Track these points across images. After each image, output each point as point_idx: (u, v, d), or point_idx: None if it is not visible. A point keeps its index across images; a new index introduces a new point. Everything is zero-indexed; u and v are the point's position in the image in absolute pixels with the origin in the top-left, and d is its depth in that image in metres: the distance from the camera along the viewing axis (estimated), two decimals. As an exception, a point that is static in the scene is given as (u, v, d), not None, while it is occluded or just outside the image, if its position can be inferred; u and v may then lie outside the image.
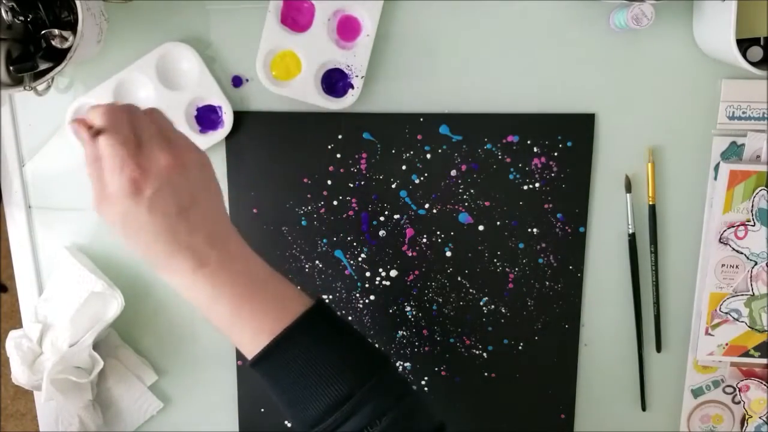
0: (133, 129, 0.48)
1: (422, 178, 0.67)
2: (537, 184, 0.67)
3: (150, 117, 0.50)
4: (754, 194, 0.65)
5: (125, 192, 0.46)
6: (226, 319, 0.49)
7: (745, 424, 0.71)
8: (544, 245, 0.68)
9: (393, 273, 0.69)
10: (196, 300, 0.49)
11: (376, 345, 0.51)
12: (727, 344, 0.69)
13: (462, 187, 0.67)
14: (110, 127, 0.47)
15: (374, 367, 0.50)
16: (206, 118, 0.66)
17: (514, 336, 0.70)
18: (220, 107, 0.65)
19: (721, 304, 0.68)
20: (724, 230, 0.66)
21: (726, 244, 0.66)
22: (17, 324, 0.70)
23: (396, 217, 0.68)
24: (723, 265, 0.67)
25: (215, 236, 0.49)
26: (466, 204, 0.67)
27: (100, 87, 0.64)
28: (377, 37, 0.63)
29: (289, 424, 0.73)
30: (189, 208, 0.48)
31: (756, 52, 0.59)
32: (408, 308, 0.70)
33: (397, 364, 0.71)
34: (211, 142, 0.65)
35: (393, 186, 0.67)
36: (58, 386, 0.65)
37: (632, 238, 0.67)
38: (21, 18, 0.57)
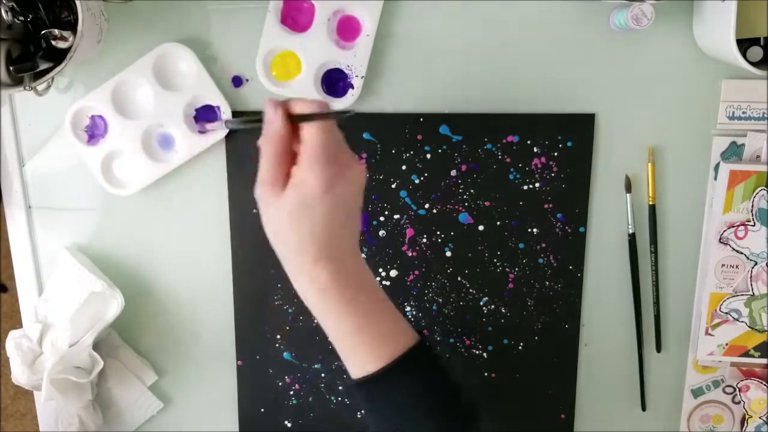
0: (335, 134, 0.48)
1: (422, 178, 0.67)
2: (537, 184, 0.67)
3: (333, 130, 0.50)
4: (754, 194, 0.65)
5: (320, 185, 0.46)
6: (348, 337, 0.49)
7: (745, 424, 0.71)
8: (544, 245, 0.68)
9: (393, 273, 0.69)
10: (322, 311, 0.49)
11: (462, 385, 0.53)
12: (727, 344, 0.69)
13: (462, 187, 0.67)
14: (324, 125, 0.47)
15: (462, 415, 0.51)
16: (205, 118, 0.66)
17: (514, 336, 0.70)
18: (218, 108, 0.65)
19: (721, 304, 0.68)
20: (724, 230, 0.66)
21: (726, 244, 0.66)
22: (17, 324, 0.70)
23: (396, 217, 0.68)
24: (723, 265, 0.67)
25: (354, 251, 0.50)
26: (466, 204, 0.67)
27: (98, 89, 0.64)
28: (377, 37, 0.63)
29: (289, 424, 0.73)
30: (351, 217, 0.49)
31: (756, 52, 0.59)
32: (408, 308, 0.70)
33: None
34: (210, 142, 0.65)
35: (393, 186, 0.67)
36: (58, 386, 0.65)
37: (632, 238, 0.67)
38: (21, 18, 0.57)
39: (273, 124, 0.48)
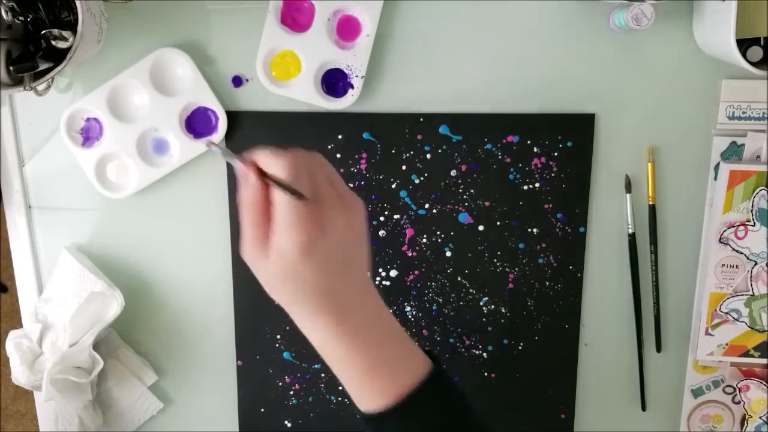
0: (311, 183, 0.45)
1: (422, 178, 0.67)
2: (537, 184, 0.67)
3: (321, 169, 0.47)
4: (754, 194, 0.65)
5: (297, 251, 0.44)
6: (357, 374, 0.48)
7: (745, 424, 0.71)
8: (544, 245, 0.68)
9: (393, 273, 0.69)
10: (331, 352, 0.48)
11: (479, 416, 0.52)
12: (727, 344, 0.69)
13: (462, 187, 0.67)
14: (292, 181, 0.44)
15: None
16: (200, 123, 0.66)
17: (514, 336, 0.70)
18: (214, 112, 0.65)
19: (721, 304, 0.68)
20: (724, 230, 0.66)
21: (726, 244, 0.66)
22: (17, 324, 0.70)
23: (396, 217, 0.68)
24: (723, 265, 0.67)
25: (361, 289, 0.48)
26: (466, 204, 0.67)
27: (94, 92, 0.64)
28: (377, 37, 0.63)
29: (289, 424, 0.73)
30: (351, 262, 0.47)
31: (756, 52, 0.59)
32: (408, 308, 0.70)
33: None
34: (206, 147, 0.65)
35: (393, 186, 0.67)
36: (58, 386, 0.65)
37: (632, 238, 0.67)
38: (21, 18, 0.56)
39: (244, 189, 0.45)
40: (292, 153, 0.45)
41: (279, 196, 0.44)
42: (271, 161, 0.44)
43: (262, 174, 0.45)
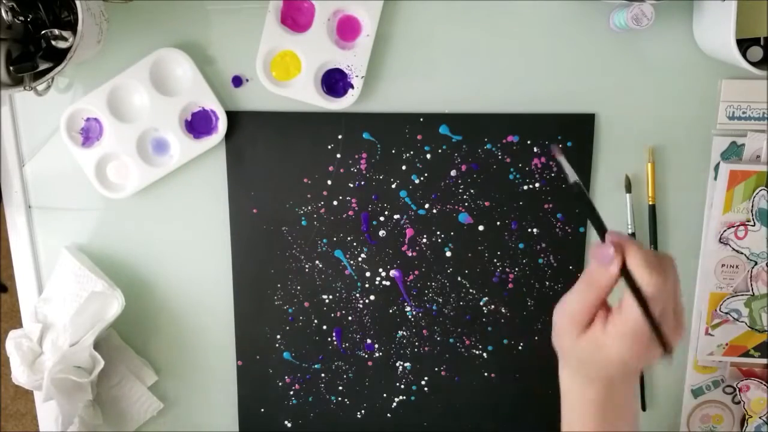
0: (665, 299, 0.43)
1: (422, 178, 0.67)
2: (537, 184, 0.67)
3: (672, 281, 0.45)
4: (754, 194, 0.65)
5: (618, 360, 0.44)
6: None
7: (745, 424, 0.71)
8: (544, 245, 0.68)
9: (393, 273, 0.69)
10: (577, 418, 0.51)
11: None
12: (727, 344, 0.69)
13: (462, 187, 0.67)
14: (653, 296, 0.42)
15: None
16: (200, 123, 0.66)
17: (514, 336, 0.70)
18: (214, 112, 0.65)
19: (721, 304, 0.68)
20: (724, 230, 0.66)
21: (726, 244, 0.66)
22: (17, 324, 0.70)
23: (396, 217, 0.68)
24: (723, 265, 0.67)
25: (629, 395, 0.50)
26: (466, 204, 0.67)
27: (94, 92, 0.64)
28: (377, 37, 0.63)
29: (289, 424, 0.73)
30: (634, 378, 0.50)
31: (756, 52, 0.59)
32: (408, 308, 0.70)
33: (397, 364, 0.71)
34: (206, 147, 0.65)
35: (393, 186, 0.67)
36: (58, 386, 0.65)
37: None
38: (21, 18, 0.56)
39: (604, 271, 0.44)
40: (665, 267, 0.43)
41: (629, 305, 0.43)
42: (644, 276, 0.42)
43: (624, 268, 0.43)
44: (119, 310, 0.66)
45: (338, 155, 0.67)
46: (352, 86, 0.64)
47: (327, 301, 0.70)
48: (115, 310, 0.66)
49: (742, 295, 0.67)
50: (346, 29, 0.64)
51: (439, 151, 0.66)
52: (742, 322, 0.68)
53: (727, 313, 0.68)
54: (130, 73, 0.64)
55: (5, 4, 0.55)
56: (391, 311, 0.70)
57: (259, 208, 0.68)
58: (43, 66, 0.56)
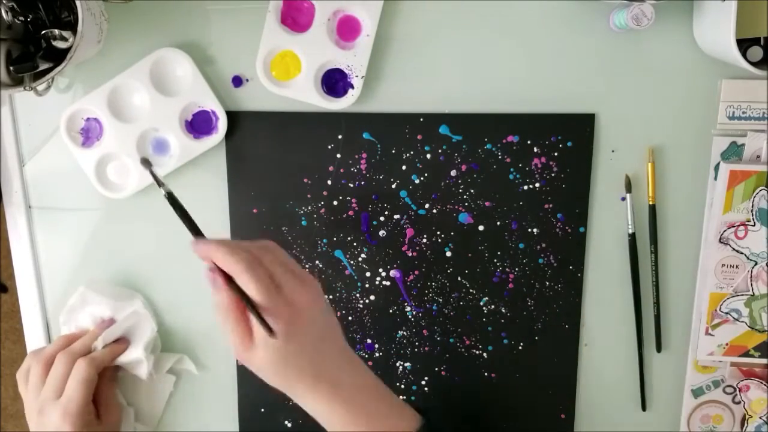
0: (266, 269, 0.49)
1: (422, 178, 0.67)
2: (537, 184, 0.67)
3: (272, 254, 0.51)
4: (754, 194, 0.65)
5: (280, 337, 0.48)
6: None
7: (745, 424, 0.71)
8: (544, 245, 0.68)
9: (393, 273, 0.69)
10: (331, 423, 0.51)
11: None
12: (727, 344, 0.69)
13: (462, 187, 0.67)
14: (248, 269, 0.48)
15: None
16: (201, 123, 0.66)
17: (514, 336, 0.70)
18: (214, 112, 0.65)
19: (721, 304, 0.68)
20: (724, 230, 0.66)
21: (726, 244, 0.66)
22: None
23: (396, 217, 0.68)
24: (723, 265, 0.67)
25: (345, 362, 0.52)
26: (466, 204, 0.67)
27: (94, 92, 0.64)
28: (377, 37, 0.63)
29: (289, 424, 0.73)
30: (324, 339, 0.51)
31: (756, 52, 0.59)
32: (408, 308, 0.70)
33: (397, 364, 0.71)
34: (206, 147, 0.65)
35: (393, 186, 0.67)
36: None
37: (632, 238, 0.67)
38: (21, 18, 0.57)
39: (216, 295, 0.50)
40: (243, 248, 0.49)
41: (245, 286, 0.48)
42: (222, 257, 0.48)
43: (227, 278, 0.49)
44: (151, 336, 0.68)
45: (338, 155, 0.67)
46: (352, 86, 0.64)
47: (327, 300, 0.70)
48: (147, 336, 0.67)
49: (743, 295, 0.67)
50: (346, 29, 0.64)
51: (439, 151, 0.66)
52: (742, 322, 0.68)
53: (727, 313, 0.68)
54: (130, 73, 0.64)
55: (5, 4, 0.55)
56: (391, 311, 0.70)
57: (259, 208, 0.68)
58: (43, 66, 0.56)
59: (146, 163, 0.58)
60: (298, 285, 0.50)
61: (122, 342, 0.67)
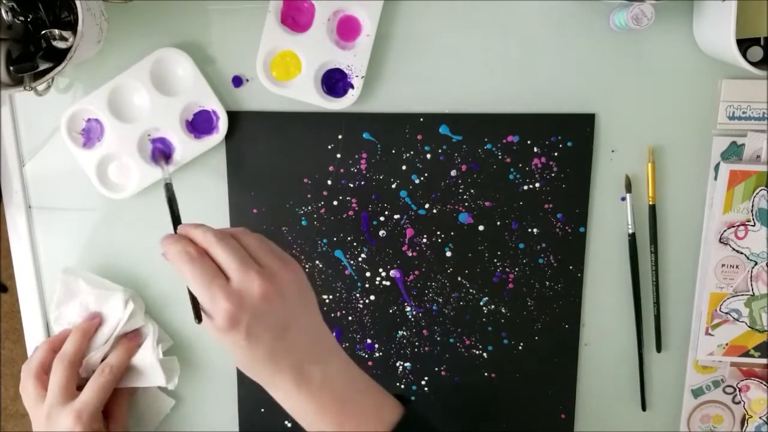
0: (244, 245, 0.50)
1: (422, 178, 0.67)
2: (537, 184, 0.67)
3: (251, 236, 0.51)
4: (754, 194, 0.65)
5: (224, 326, 0.47)
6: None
7: (745, 424, 0.71)
8: (544, 245, 0.68)
9: (393, 273, 0.69)
10: (300, 416, 0.50)
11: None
12: (727, 344, 0.69)
13: (462, 187, 0.67)
14: (221, 241, 0.49)
15: None
16: (202, 123, 0.66)
17: (514, 336, 0.70)
18: (215, 112, 0.65)
19: (721, 304, 0.68)
20: (724, 230, 0.66)
21: (726, 244, 0.66)
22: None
23: (396, 217, 0.68)
24: (723, 265, 0.67)
25: (316, 352, 0.50)
26: (466, 204, 0.67)
27: (94, 93, 0.64)
28: (377, 37, 0.63)
29: (289, 424, 0.73)
30: (287, 329, 0.49)
31: (756, 52, 0.59)
32: (408, 308, 0.70)
33: (397, 364, 0.71)
34: (207, 147, 0.65)
35: (393, 186, 0.67)
36: None
37: (632, 238, 0.67)
38: (21, 18, 0.57)
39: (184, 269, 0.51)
40: (222, 234, 0.50)
41: (188, 276, 0.50)
42: (202, 232, 0.50)
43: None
44: (132, 308, 0.67)
45: (338, 155, 0.67)
46: (352, 86, 0.64)
47: (327, 301, 0.70)
48: (129, 310, 0.66)
49: (743, 295, 0.67)
50: (346, 29, 0.64)
51: (439, 151, 0.66)
52: (742, 322, 0.68)
53: (727, 313, 0.68)
54: (130, 73, 0.64)
55: (5, 4, 0.55)
56: (391, 311, 0.70)
57: (259, 208, 0.68)
58: (43, 66, 0.56)
59: (163, 157, 0.60)
60: (280, 265, 0.50)
61: (133, 339, 0.66)
